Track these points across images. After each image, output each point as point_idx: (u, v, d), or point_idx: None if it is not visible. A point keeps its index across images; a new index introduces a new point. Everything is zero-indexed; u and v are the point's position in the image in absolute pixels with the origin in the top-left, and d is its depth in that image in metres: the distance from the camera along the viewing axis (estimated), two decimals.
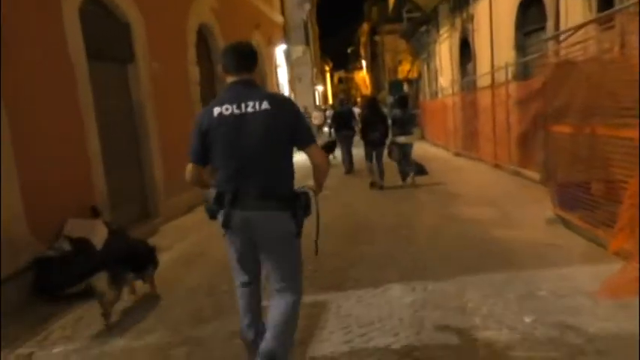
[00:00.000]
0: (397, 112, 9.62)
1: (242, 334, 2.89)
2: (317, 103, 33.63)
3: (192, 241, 6.50)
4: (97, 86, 6.27)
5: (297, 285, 2.80)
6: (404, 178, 9.51)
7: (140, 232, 6.47)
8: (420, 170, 10.92)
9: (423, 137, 22.00)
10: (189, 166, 2.79)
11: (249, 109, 2.56)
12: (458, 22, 14.03)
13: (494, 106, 10.62)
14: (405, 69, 50.34)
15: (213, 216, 2.75)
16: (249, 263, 2.81)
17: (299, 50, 21.78)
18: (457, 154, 14.53)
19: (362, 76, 67.28)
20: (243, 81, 2.68)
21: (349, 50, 76.46)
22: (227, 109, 2.59)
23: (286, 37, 20.76)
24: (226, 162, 2.63)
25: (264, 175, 2.59)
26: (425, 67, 21.80)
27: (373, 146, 9.39)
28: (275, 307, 2.73)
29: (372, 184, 9.58)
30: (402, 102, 10.01)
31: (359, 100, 44.86)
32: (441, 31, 16.35)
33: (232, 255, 2.82)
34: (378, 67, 57.35)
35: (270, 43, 17.30)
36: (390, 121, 9.69)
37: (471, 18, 12.43)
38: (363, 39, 66.13)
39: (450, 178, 10.34)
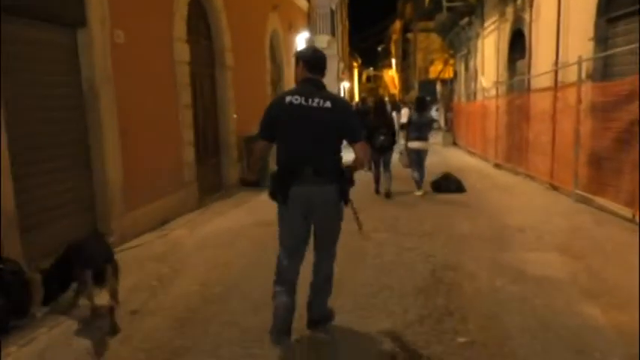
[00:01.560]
0: (414, 115, 8.87)
1: (276, 303, 3.20)
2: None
3: (140, 279, 4.59)
4: (14, 55, 4.42)
5: (335, 251, 3.42)
6: (419, 186, 8.75)
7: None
8: (458, 187, 8.91)
9: (454, 143, 19.87)
10: (260, 143, 3.29)
11: (314, 104, 3.11)
12: (510, 11, 11.84)
13: (555, 112, 8.47)
14: (437, 69, 48.06)
15: (273, 196, 3.19)
16: (300, 235, 3.22)
17: (324, 40, 19.78)
18: (497, 166, 12.38)
19: (391, 75, 65.12)
20: (315, 80, 3.23)
21: (379, 48, 74.36)
22: (297, 100, 3.12)
23: (310, 25, 18.82)
24: (289, 142, 3.16)
25: (319, 157, 3.13)
26: (462, 66, 19.56)
27: (379, 152, 8.44)
28: (318, 272, 3.38)
29: (388, 195, 8.50)
30: (421, 104, 9.06)
31: (386, 99, 42.59)
32: (487, 24, 14.15)
33: (285, 229, 3.23)
34: (408, 66, 55.05)
35: (291, 29, 15.37)
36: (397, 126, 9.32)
37: (529, 4, 10.24)
38: (394, 36, 63.93)
39: (495, 199, 8.24)
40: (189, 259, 5.26)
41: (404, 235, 5.99)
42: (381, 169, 8.62)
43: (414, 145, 8.55)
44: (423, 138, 8.64)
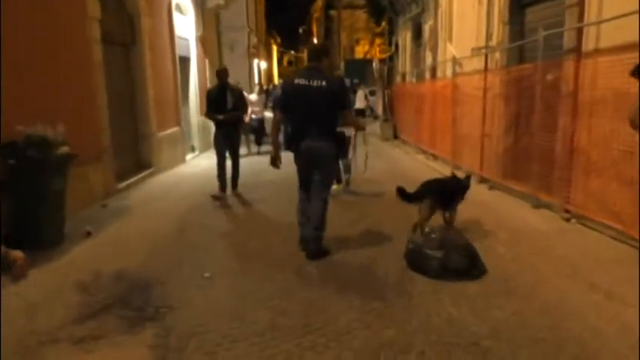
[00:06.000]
0: None
1: (299, 219, 4.65)
2: (256, 80, 25.87)
3: None
4: None
5: (328, 192, 4.63)
6: (339, 180, 7.25)
7: None
8: (472, 264, 3.89)
9: (396, 136, 15.15)
10: (278, 114, 4.58)
11: (314, 84, 4.27)
12: None
13: None
14: (363, 49, 43.65)
15: (288, 147, 4.51)
16: (307, 175, 4.51)
17: None
18: (485, 183, 7.59)
19: None
20: (313, 66, 4.47)
21: (300, 30, 69.77)
22: (302, 81, 4.34)
23: None
24: (298, 113, 4.38)
25: (320, 122, 4.31)
26: (407, 35, 14.73)
27: None
28: (314, 207, 4.44)
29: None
30: None
31: None
32: None
33: (299, 172, 4.59)
34: (332, 47, 50.28)
35: None
36: None
37: None
38: (316, 15, 59.18)
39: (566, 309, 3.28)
40: None
41: None
42: None
43: None
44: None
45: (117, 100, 7.90)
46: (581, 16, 5.32)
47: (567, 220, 5.41)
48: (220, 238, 5.27)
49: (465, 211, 5.38)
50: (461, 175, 5.58)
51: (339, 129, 4.57)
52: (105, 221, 5.87)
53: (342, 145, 4.63)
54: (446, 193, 4.92)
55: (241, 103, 7.31)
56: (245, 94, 12.29)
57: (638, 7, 4.27)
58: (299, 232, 4.64)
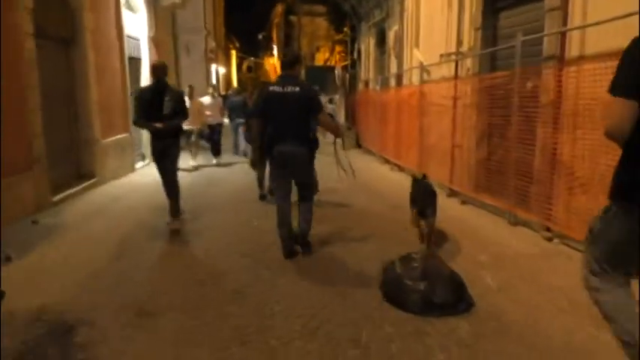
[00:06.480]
0: None
1: (280, 233, 4.61)
2: (214, 84, 24.89)
3: None
4: None
5: (311, 194, 4.90)
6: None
7: None
8: (458, 296, 3.36)
9: (358, 145, 14.74)
10: (258, 121, 4.63)
11: (288, 90, 4.41)
12: None
13: None
14: (323, 56, 43.42)
15: (266, 152, 4.56)
16: (284, 181, 4.62)
17: None
18: (455, 196, 7.20)
19: (272, 63, 60.01)
20: (287, 74, 4.56)
21: (260, 36, 69.09)
22: (276, 89, 4.46)
23: None
24: (274, 119, 4.47)
25: (294, 127, 4.42)
26: (370, 41, 14.36)
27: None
28: (301, 208, 4.69)
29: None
30: None
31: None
32: None
33: (274, 177, 4.73)
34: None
35: None
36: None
37: None
38: (276, 20, 58.62)
39: None
40: None
41: None
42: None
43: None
44: None
45: (54, 102, 7.08)
46: (564, 21, 4.95)
47: (549, 239, 5.01)
48: (167, 263, 4.59)
49: (437, 227, 4.91)
50: (418, 176, 5.40)
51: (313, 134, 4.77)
52: (31, 241, 5.07)
53: (314, 147, 4.69)
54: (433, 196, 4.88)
55: (181, 108, 5.65)
56: (200, 100, 11.59)
57: (627, 11, 3.92)
58: (282, 246, 4.64)
